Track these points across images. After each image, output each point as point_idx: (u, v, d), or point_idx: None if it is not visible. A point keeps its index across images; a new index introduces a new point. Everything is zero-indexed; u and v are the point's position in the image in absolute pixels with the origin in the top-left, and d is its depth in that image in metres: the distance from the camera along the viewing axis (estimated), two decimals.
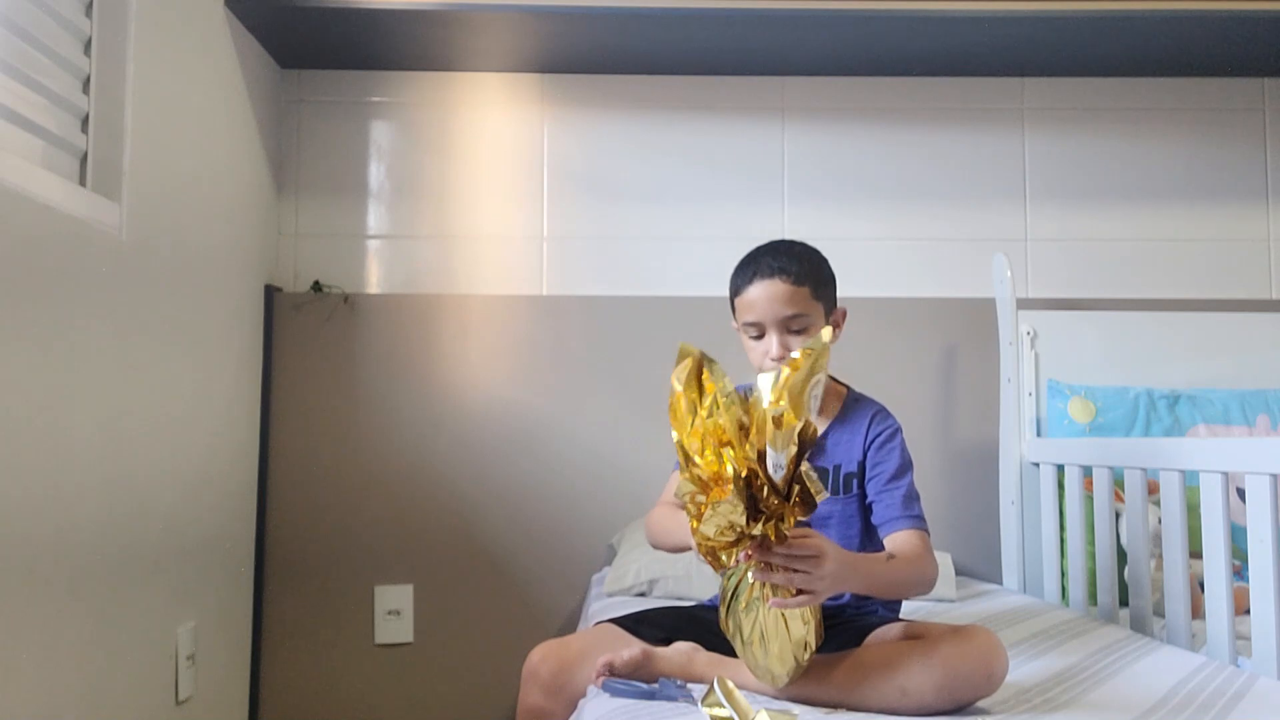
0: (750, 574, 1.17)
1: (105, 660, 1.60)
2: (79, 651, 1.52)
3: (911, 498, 1.39)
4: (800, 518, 1.13)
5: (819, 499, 1.12)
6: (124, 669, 1.66)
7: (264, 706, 2.26)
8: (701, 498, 1.13)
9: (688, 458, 1.14)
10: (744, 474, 1.09)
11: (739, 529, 1.10)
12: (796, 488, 1.11)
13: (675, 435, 1.16)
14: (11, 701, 1.35)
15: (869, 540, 1.41)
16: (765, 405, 1.11)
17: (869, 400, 1.50)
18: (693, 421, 1.14)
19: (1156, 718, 1.20)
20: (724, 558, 1.15)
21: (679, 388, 1.15)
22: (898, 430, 1.45)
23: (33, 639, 1.40)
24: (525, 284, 2.41)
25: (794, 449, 1.10)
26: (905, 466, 1.42)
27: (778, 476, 1.10)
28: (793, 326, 1.41)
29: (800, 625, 1.17)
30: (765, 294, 1.41)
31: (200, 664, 1.94)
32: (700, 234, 2.42)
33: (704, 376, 1.15)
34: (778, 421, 1.09)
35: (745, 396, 1.15)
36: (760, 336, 1.43)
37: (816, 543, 1.15)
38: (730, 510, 1.09)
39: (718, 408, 1.13)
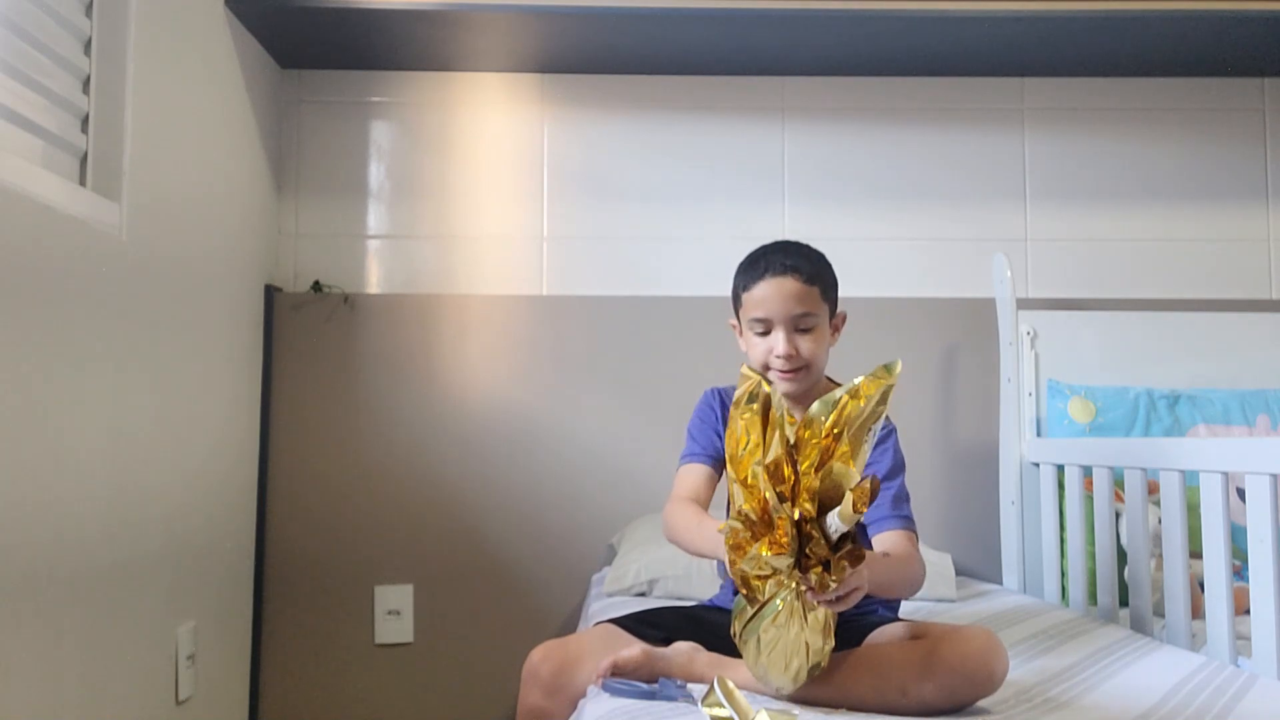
0: (780, 599, 1.13)
1: (105, 660, 1.60)
2: (79, 651, 1.52)
3: (901, 498, 1.40)
4: (850, 567, 1.06)
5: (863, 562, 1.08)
6: (124, 669, 1.66)
7: (264, 706, 2.26)
8: (745, 534, 1.09)
9: (743, 485, 1.10)
10: (796, 534, 1.05)
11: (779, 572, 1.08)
12: (849, 545, 1.06)
13: (730, 472, 1.12)
14: (12, 701, 1.34)
15: (862, 540, 1.41)
16: (821, 434, 1.06)
17: None
18: (746, 446, 1.08)
19: (1156, 718, 1.20)
20: (759, 588, 1.12)
21: (740, 417, 1.09)
22: (892, 431, 1.46)
23: (33, 639, 1.40)
24: (525, 284, 2.41)
25: (859, 516, 1.05)
26: (898, 467, 1.43)
27: (835, 536, 1.06)
28: (802, 325, 1.42)
29: (821, 642, 1.15)
30: (778, 291, 1.42)
31: (200, 664, 1.94)
32: (700, 234, 2.42)
33: (768, 410, 1.08)
34: (835, 488, 1.04)
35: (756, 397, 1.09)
36: (766, 333, 1.44)
37: (862, 566, 1.10)
38: (779, 564, 1.06)
39: (768, 450, 1.07)
